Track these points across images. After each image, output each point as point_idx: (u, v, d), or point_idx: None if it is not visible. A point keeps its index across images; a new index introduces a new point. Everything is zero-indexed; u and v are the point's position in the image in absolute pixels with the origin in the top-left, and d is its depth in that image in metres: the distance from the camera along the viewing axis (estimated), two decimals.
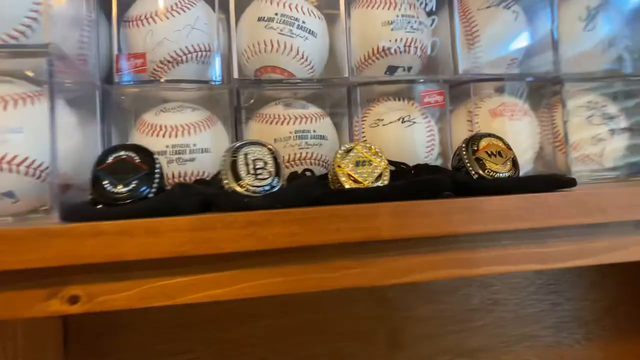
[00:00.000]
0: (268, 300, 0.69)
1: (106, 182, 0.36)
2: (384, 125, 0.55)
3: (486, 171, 0.43)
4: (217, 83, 0.53)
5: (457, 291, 0.78)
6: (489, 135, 0.46)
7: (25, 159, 0.37)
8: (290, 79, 0.53)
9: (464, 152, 0.44)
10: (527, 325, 0.80)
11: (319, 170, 0.53)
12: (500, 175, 0.43)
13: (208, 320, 0.69)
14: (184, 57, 0.52)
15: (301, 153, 0.53)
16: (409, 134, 0.55)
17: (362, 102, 0.56)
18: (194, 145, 0.51)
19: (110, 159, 0.37)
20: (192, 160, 0.51)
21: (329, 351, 0.72)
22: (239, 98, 0.52)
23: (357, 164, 0.41)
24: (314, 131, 0.53)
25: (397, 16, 0.55)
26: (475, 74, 0.57)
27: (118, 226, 0.34)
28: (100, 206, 0.36)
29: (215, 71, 0.53)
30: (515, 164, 0.45)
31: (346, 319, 0.73)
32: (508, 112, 0.57)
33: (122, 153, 0.37)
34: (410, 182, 0.40)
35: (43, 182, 0.39)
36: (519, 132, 0.58)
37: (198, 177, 0.51)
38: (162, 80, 0.52)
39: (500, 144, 0.45)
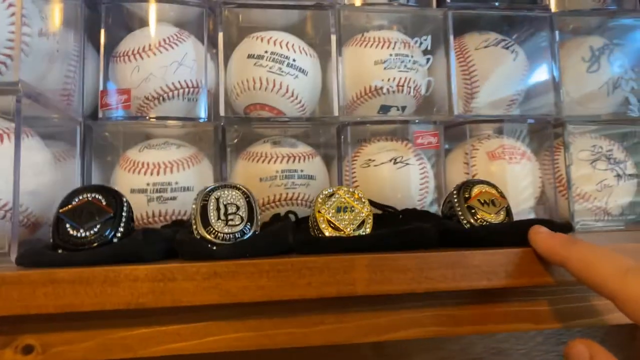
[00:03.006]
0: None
1: (68, 225, 0.34)
2: (375, 166, 0.53)
3: (478, 220, 0.40)
4: (203, 120, 0.52)
5: (459, 339, 0.74)
6: (482, 182, 0.43)
7: None
8: (278, 117, 0.52)
9: (455, 200, 0.42)
10: None
11: (305, 212, 0.51)
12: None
13: None
14: (170, 94, 0.51)
15: (287, 193, 0.51)
16: (401, 176, 0.52)
17: (353, 142, 0.54)
18: (176, 183, 0.49)
19: (75, 201, 0.35)
20: (173, 199, 0.49)
21: None
22: (225, 135, 0.51)
23: (339, 210, 0.39)
24: (302, 171, 0.52)
25: (391, 55, 0.54)
26: (471, 115, 0.55)
27: (74, 274, 0.32)
28: (60, 251, 0.34)
29: (202, 108, 0.52)
30: (509, 213, 0.42)
31: None
32: (507, 155, 0.55)
33: (87, 195, 0.36)
34: (393, 231, 0.37)
35: (7, 222, 0.37)
36: (518, 176, 0.55)
37: (179, 217, 0.49)
38: (147, 116, 0.51)
39: (494, 191, 0.43)
